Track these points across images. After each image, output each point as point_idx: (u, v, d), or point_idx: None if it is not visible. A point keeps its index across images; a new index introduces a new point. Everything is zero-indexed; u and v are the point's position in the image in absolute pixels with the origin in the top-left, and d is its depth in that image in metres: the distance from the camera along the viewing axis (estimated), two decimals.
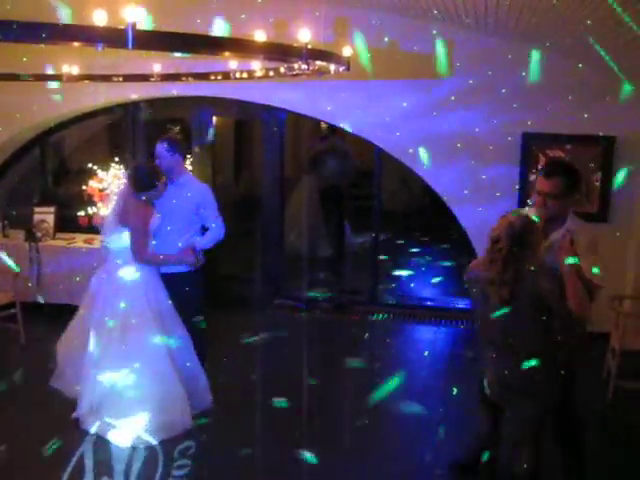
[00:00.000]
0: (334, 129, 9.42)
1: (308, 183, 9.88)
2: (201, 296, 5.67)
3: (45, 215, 8.20)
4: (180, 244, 5.44)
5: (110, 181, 7.58)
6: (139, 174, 5.23)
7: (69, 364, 5.51)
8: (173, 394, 5.12)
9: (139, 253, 5.18)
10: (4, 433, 5.14)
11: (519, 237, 3.63)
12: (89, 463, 4.69)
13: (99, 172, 7.72)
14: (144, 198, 5.23)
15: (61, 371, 5.62)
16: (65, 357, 5.60)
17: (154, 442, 4.97)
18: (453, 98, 7.20)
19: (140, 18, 2.55)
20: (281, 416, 5.39)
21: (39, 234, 7.99)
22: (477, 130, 7.17)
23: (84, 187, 7.81)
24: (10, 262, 6.95)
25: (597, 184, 7.12)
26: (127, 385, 5.04)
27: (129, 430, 5.00)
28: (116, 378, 5.05)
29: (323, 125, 9.68)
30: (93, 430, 5.07)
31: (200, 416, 5.32)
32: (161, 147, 5.44)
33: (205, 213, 5.54)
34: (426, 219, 10.01)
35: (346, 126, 7.73)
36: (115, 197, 5.56)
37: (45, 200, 8.82)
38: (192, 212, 5.48)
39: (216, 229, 5.58)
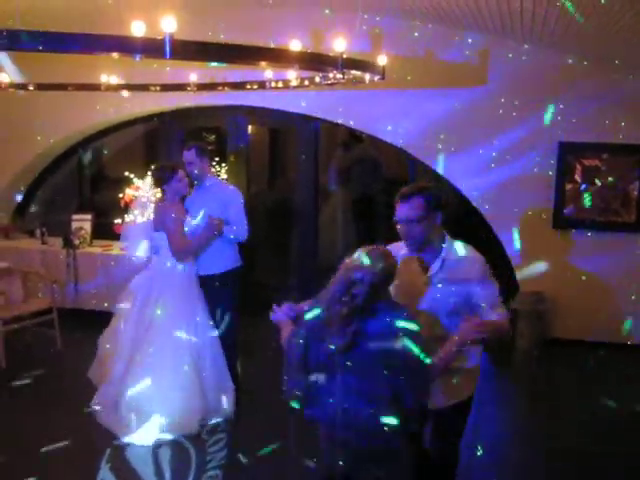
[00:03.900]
0: (361, 138, 9.40)
1: (340, 193, 9.87)
2: (235, 297, 5.73)
3: (82, 222, 8.29)
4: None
5: (144, 189, 7.67)
6: (153, 172, 5.61)
7: (106, 360, 5.63)
8: (189, 402, 5.19)
9: (177, 252, 5.32)
10: (39, 434, 5.20)
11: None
12: (112, 464, 4.73)
13: (135, 180, 7.81)
14: (171, 197, 5.43)
15: (98, 364, 5.75)
16: (104, 354, 5.72)
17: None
18: (488, 107, 7.17)
19: (176, 28, 2.59)
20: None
21: (77, 241, 8.08)
22: (513, 139, 7.12)
23: (121, 195, 7.89)
24: None
25: (635, 193, 7.04)
26: (148, 385, 5.14)
27: (145, 428, 5.08)
28: (140, 378, 5.16)
29: (347, 133, 9.61)
30: (114, 428, 5.18)
31: (222, 421, 5.37)
32: (190, 153, 5.56)
33: (231, 214, 5.60)
34: (460, 228, 9.93)
35: (380, 134, 7.73)
36: (140, 207, 5.74)
37: (82, 207, 8.93)
38: (220, 214, 5.54)
39: (240, 229, 5.63)
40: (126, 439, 5.07)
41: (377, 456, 3.15)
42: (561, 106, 6.92)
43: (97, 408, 5.37)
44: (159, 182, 5.49)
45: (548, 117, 6.99)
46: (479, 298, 3.33)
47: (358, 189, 9.92)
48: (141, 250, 5.63)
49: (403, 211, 3.42)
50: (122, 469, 4.69)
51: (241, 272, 5.81)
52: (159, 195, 5.58)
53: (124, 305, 5.60)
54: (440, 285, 3.40)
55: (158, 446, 5.00)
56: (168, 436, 5.05)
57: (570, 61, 6.86)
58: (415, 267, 3.49)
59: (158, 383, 5.14)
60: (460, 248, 3.48)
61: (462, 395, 3.58)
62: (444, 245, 3.46)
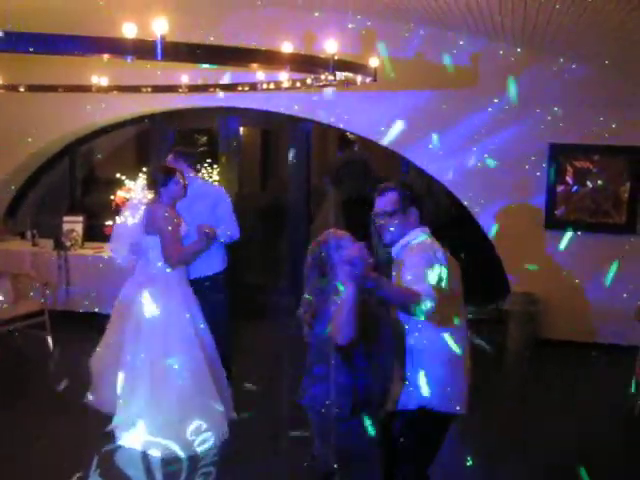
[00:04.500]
0: (350, 140, 9.39)
1: (332, 196, 9.86)
2: (226, 299, 5.72)
3: (74, 224, 8.28)
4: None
5: (135, 191, 7.65)
6: (150, 173, 5.55)
7: (104, 379, 5.49)
8: (211, 405, 5.14)
9: (170, 257, 5.20)
10: (30, 436, 5.18)
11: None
12: (103, 467, 4.70)
13: (127, 182, 7.79)
14: (166, 201, 5.31)
15: (95, 386, 5.61)
16: (99, 373, 5.59)
17: (183, 454, 4.93)
18: (478, 109, 7.18)
19: (167, 30, 2.59)
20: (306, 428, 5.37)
21: (68, 243, 8.07)
22: (504, 141, 7.14)
23: (112, 197, 7.88)
24: None
25: (625, 195, 7.07)
26: (165, 397, 5.07)
27: (163, 442, 4.99)
28: (153, 390, 5.08)
29: (340, 135, 9.61)
30: (125, 442, 5.06)
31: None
32: (169, 159, 5.70)
33: (219, 214, 5.61)
34: (453, 230, 9.92)
35: (372, 136, 7.74)
36: (132, 209, 5.65)
37: (74, 209, 8.91)
38: (208, 215, 5.55)
39: (231, 228, 5.64)
40: (121, 442, 5.04)
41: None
42: (555, 108, 6.92)
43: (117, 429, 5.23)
44: (156, 184, 5.34)
45: (540, 119, 7.01)
46: (404, 272, 3.29)
47: (349, 191, 9.91)
48: (124, 252, 5.56)
49: (379, 205, 3.58)
50: (113, 472, 4.67)
51: (227, 274, 5.82)
52: (151, 197, 5.49)
53: (116, 321, 5.52)
54: (394, 274, 3.52)
55: (150, 449, 4.97)
56: (162, 440, 5.02)
57: (561, 60, 6.87)
58: None
59: (155, 388, 5.07)
60: (414, 240, 3.50)
61: (407, 403, 3.45)
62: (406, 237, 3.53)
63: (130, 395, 5.13)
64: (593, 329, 7.20)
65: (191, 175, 5.71)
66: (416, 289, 3.10)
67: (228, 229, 5.59)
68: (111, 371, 5.33)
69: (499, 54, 6.99)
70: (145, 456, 4.92)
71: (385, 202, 3.55)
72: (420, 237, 3.51)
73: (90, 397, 5.59)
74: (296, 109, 7.72)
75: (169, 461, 4.86)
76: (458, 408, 3.49)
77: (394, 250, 3.57)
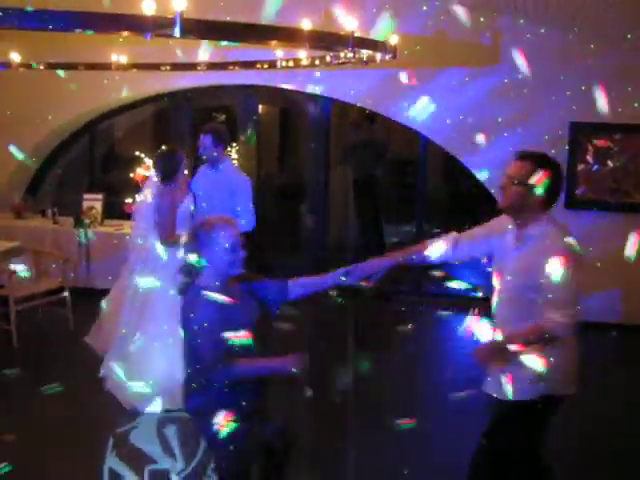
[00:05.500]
0: (372, 118, 9.32)
1: (343, 173, 9.83)
2: None
3: (94, 202, 8.32)
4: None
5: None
6: (160, 164, 5.49)
7: (107, 323, 5.75)
8: None
9: (162, 234, 5.30)
10: (51, 415, 5.23)
11: None
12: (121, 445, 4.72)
13: (146, 160, 7.80)
14: (177, 186, 5.42)
15: (98, 328, 5.87)
16: (105, 315, 5.86)
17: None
18: (500, 87, 7.12)
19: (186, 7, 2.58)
20: (317, 406, 5.38)
21: (88, 221, 8.11)
22: (524, 119, 7.07)
23: (132, 174, 7.90)
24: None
25: None
26: (148, 352, 5.23)
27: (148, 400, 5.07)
28: (140, 343, 5.26)
29: (359, 113, 9.51)
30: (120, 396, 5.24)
31: None
32: (205, 139, 5.64)
33: (238, 203, 5.62)
34: (472, 209, 9.87)
35: (391, 114, 7.70)
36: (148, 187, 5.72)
37: (94, 187, 8.95)
38: (226, 198, 5.59)
39: (246, 220, 5.64)
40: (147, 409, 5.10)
41: None
42: (573, 86, 6.84)
43: (105, 376, 5.46)
44: (168, 175, 5.39)
45: (561, 96, 6.94)
46: (548, 285, 3.10)
47: (361, 170, 9.85)
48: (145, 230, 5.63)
49: (510, 168, 3.36)
50: (130, 445, 4.70)
51: None
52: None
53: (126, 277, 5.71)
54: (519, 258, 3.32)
55: (163, 419, 4.99)
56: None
57: (583, 39, 6.79)
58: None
59: (159, 356, 5.18)
60: (549, 233, 3.29)
61: (505, 392, 3.31)
62: (536, 226, 3.31)
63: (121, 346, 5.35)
64: (613, 309, 7.16)
65: (222, 155, 5.74)
66: (553, 319, 3.05)
67: (243, 219, 5.60)
68: (115, 318, 5.55)
69: (521, 32, 6.92)
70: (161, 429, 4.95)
71: (515, 167, 3.34)
72: (558, 238, 3.28)
73: (89, 337, 5.90)
74: (315, 87, 7.69)
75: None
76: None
77: (525, 234, 3.33)
